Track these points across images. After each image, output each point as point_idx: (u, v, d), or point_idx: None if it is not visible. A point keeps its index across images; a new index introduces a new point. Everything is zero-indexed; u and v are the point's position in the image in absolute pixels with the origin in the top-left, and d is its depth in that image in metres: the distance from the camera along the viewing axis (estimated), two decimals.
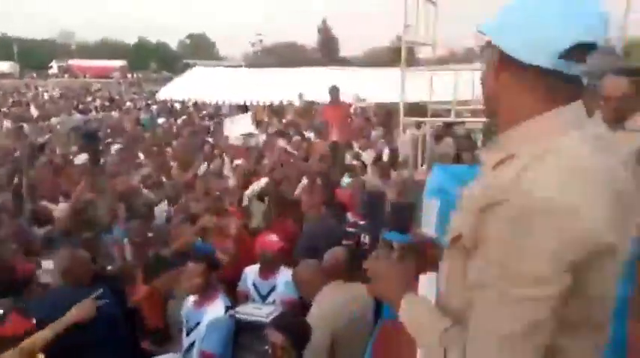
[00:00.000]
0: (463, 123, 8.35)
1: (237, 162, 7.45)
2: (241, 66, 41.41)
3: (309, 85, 16.48)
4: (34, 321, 2.86)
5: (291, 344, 2.69)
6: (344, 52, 62.68)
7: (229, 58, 64.65)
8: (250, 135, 7.13)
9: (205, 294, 3.34)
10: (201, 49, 73.61)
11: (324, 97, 13.43)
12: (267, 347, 2.71)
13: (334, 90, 9.19)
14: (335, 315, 3.08)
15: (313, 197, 4.98)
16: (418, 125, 7.99)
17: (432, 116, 7.79)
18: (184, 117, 15.03)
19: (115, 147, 9.27)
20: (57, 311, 3.11)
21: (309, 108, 14.59)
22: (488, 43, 1.15)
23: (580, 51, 1.02)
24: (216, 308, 3.29)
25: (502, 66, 1.11)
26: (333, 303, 3.15)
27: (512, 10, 1.11)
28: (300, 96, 15.77)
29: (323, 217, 4.66)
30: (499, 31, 1.11)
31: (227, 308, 3.30)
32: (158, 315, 3.89)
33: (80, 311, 3.12)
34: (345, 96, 9.46)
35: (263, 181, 5.77)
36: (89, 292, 3.25)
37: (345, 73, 18.21)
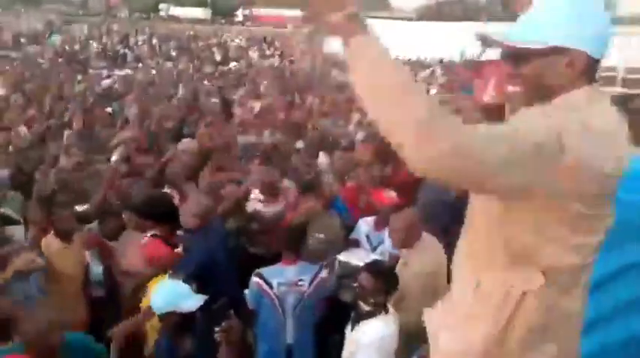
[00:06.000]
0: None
1: None
2: (412, 19, 40.64)
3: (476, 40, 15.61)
4: None
5: (379, 288, 2.92)
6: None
7: (401, 10, 63.34)
8: None
9: None
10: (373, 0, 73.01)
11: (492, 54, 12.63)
12: (355, 285, 2.98)
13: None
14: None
15: None
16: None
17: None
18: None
19: None
20: None
21: (469, 66, 13.97)
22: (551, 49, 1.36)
23: None
24: None
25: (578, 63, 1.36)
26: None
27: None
28: (462, 53, 15.16)
29: None
30: (580, 39, 1.35)
31: None
32: None
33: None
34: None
35: None
36: None
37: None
